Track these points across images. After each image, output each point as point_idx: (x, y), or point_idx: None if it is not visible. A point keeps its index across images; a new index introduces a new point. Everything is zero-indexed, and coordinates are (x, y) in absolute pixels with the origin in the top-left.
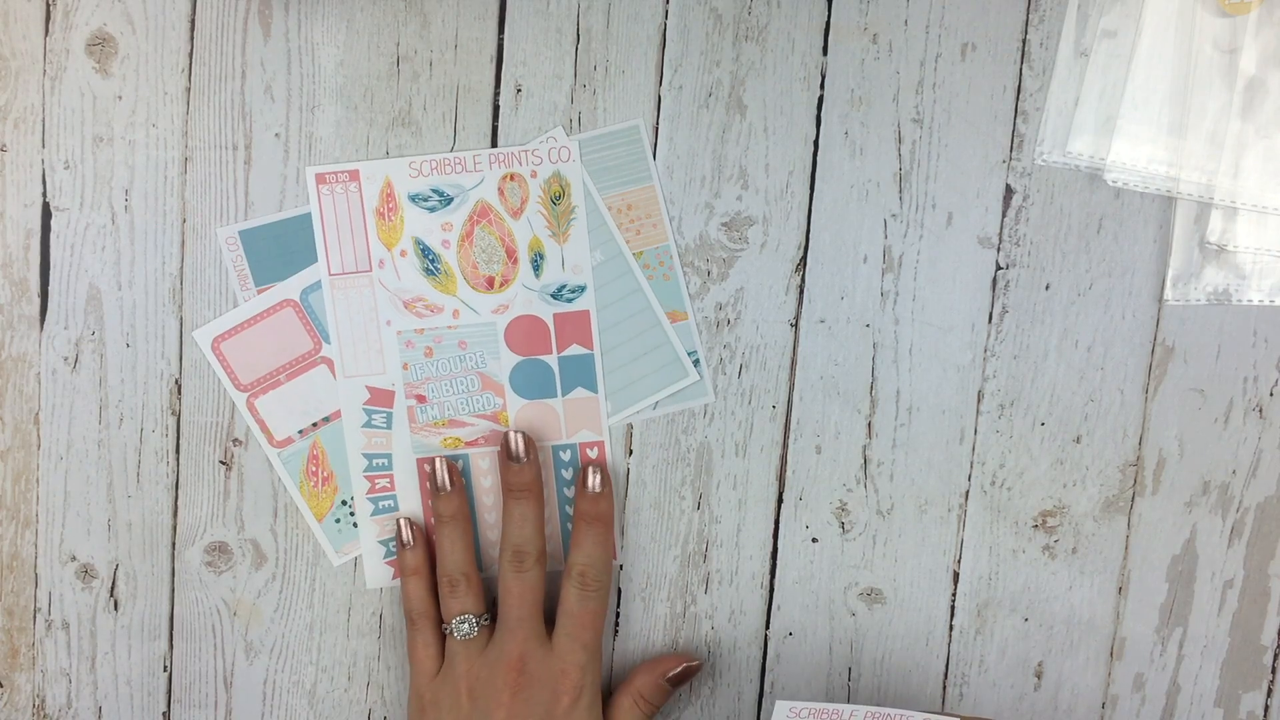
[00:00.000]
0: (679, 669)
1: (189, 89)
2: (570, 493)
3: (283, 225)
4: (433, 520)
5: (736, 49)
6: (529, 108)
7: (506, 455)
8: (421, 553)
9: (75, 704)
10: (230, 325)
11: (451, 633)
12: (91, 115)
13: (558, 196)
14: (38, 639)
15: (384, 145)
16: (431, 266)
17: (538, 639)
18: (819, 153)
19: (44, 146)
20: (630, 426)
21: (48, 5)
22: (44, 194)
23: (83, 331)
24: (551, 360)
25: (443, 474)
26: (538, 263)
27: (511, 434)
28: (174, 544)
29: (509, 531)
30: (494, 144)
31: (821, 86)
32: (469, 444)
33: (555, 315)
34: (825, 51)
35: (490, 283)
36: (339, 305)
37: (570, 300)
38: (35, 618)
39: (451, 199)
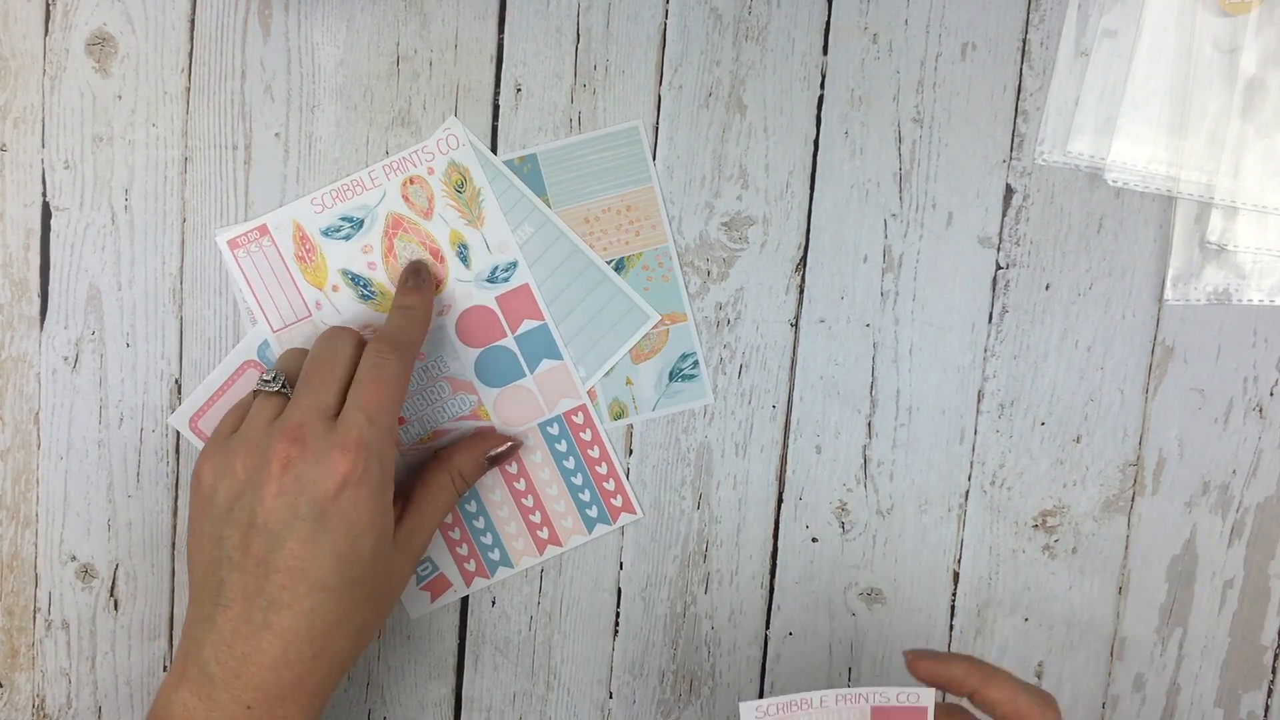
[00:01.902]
0: (502, 447)
1: (189, 89)
2: (570, 464)
3: None
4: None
5: (736, 49)
6: (529, 108)
7: (404, 281)
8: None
9: (75, 704)
10: (201, 401)
11: (256, 385)
12: (91, 115)
13: (460, 185)
14: (38, 639)
15: (384, 145)
16: (366, 291)
17: (321, 411)
18: (819, 152)
19: (44, 146)
20: (631, 427)
21: (47, 5)
22: (44, 194)
23: (83, 331)
24: (509, 343)
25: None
26: (464, 254)
27: (411, 264)
28: (174, 544)
29: (385, 326)
30: (493, 145)
31: (821, 86)
32: None
33: (498, 298)
34: (825, 51)
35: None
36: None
37: (506, 280)
38: (35, 618)
39: (362, 221)
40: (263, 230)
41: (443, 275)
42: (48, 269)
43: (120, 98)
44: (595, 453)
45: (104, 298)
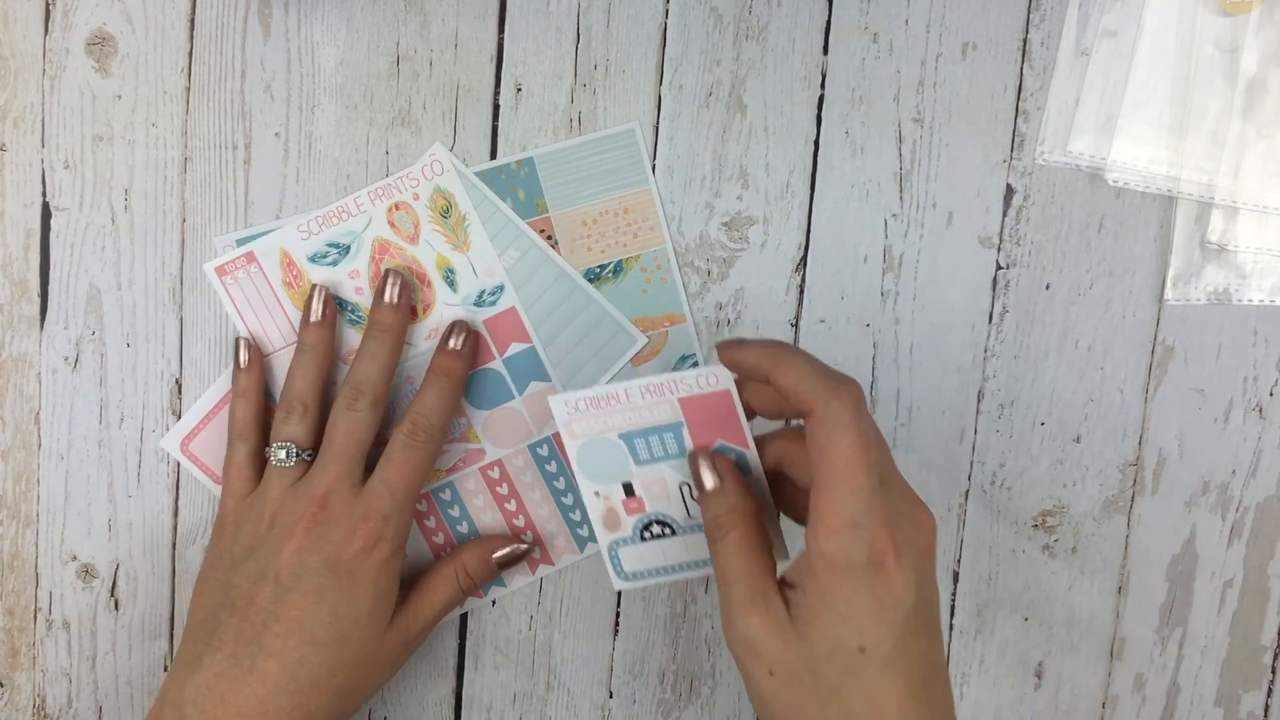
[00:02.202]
0: (507, 550)
1: (189, 89)
2: (560, 484)
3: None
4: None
5: (737, 48)
6: (529, 107)
7: (380, 297)
8: (255, 376)
9: (75, 704)
10: (193, 424)
11: (270, 457)
12: (91, 115)
13: (446, 210)
14: (38, 639)
15: (384, 145)
16: (354, 317)
17: (349, 480)
18: (819, 152)
19: (44, 146)
20: None
21: (47, 5)
22: (44, 194)
23: (83, 331)
24: (497, 365)
25: (318, 305)
26: (450, 278)
27: (390, 276)
28: (174, 544)
29: (355, 366)
30: (493, 145)
31: (822, 86)
32: (450, 471)
33: (485, 322)
34: (826, 51)
35: (413, 313)
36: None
37: (493, 303)
38: (36, 618)
39: (348, 247)
40: (250, 257)
41: (430, 300)
42: (48, 269)
43: (120, 97)
44: None
45: (104, 298)
